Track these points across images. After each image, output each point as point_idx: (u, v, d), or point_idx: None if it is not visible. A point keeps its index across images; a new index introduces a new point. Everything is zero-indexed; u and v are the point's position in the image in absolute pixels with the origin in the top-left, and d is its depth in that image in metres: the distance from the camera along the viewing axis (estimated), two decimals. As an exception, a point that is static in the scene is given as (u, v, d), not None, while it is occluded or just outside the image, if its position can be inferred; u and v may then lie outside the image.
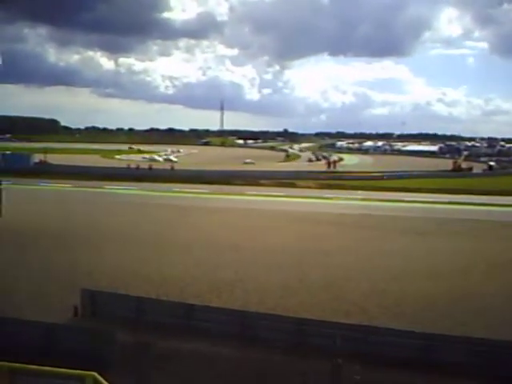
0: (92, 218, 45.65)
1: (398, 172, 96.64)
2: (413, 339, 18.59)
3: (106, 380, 13.61)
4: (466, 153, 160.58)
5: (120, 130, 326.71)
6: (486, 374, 17.33)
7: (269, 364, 18.12)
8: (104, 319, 21.15)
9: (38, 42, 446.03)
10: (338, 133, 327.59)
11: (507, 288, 27.82)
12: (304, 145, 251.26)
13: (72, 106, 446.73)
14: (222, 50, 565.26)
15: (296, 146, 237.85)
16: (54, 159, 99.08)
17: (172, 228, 42.57)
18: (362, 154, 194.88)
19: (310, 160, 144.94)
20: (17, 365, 14.29)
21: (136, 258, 31.82)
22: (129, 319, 20.27)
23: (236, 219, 48.09)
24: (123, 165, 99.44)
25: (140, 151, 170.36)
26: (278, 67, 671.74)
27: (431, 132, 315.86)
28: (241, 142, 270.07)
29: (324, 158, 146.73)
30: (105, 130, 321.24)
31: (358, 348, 18.06)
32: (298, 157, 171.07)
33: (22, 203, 52.46)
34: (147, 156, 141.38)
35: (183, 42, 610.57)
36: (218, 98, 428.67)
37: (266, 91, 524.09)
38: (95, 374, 13.93)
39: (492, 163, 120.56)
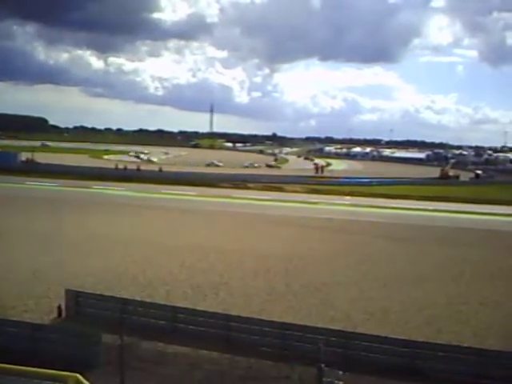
0: (78, 219, 45.46)
1: (385, 178, 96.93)
2: (397, 346, 18.65)
3: (89, 381, 13.54)
4: (453, 161, 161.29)
5: (108, 130, 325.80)
6: (471, 382, 17.41)
7: (253, 367, 18.12)
8: (88, 320, 21.04)
9: (26, 39, 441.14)
10: (327, 138, 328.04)
11: (494, 295, 27.98)
12: (289, 149, 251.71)
13: (61, 105, 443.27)
14: (211, 51, 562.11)
15: (287, 150, 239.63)
16: (41, 158, 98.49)
17: (158, 230, 42.45)
18: (350, 159, 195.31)
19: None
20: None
21: (121, 260, 31.71)
22: (113, 320, 20.16)
23: (223, 222, 48.04)
24: (111, 165, 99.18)
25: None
26: (267, 70, 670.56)
27: (419, 139, 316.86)
28: (230, 144, 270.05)
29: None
30: (93, 129, 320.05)
31: (341, 354, 18.09)
32: (286, 161, 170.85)
33: (7, 202, 52.31)
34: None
35: (173, 43, 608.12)
36: (208, 100, 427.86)
37: (256, 94, 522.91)
38: (78, 375, 13.85)
39: (479, 172, 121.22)
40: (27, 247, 33.46)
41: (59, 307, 22.19)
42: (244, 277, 29.66)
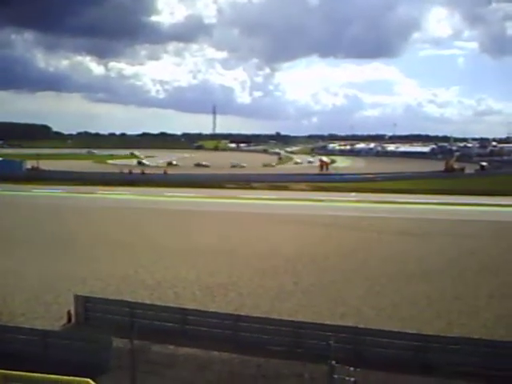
0: (84, 224, 45.56)
1: (391, 173, 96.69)
2: (408, 340, 18.60)
3: (101, 386, 13.57)
4: (458, 153, 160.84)
5: (112, 134, 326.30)
6: (482, 373, 17.33)
7: (264, 367, 18.09)
8: (98, 325, 21.06)
9: (26, 47, 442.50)
10: (330, 135, 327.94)
11: (502, 287, 27.87)
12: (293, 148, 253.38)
13: (63, 112, 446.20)
14: (211, 53, 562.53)
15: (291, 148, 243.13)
16: (46, 165, 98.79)
17: (165, 233, 42.46)
18: (355, 156, 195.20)
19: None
20: (10, 372, 14.23)
21: (129, 264, 31.72)
22: (123, 324, 20.15)
23: (229, 223, 48.02)
24: (116, 170, 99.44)
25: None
26: (268, 70, 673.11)
27: (423, 133, 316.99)
28: (233, 145, 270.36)
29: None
30: (97, 135, 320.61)
31: (353, 350, 18.07)
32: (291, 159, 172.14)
33: (14, 210, 52.51)
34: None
35: (172, 46, 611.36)
36: (210, 101, 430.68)
37: (257, 94, 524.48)
38: (89, 380, 13.89)
39: (484, 163, 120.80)
40: (34, 254, 33.49)
41: (69, 313, 22.22)
42: (252, 277, 29.62)
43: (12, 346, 18.19)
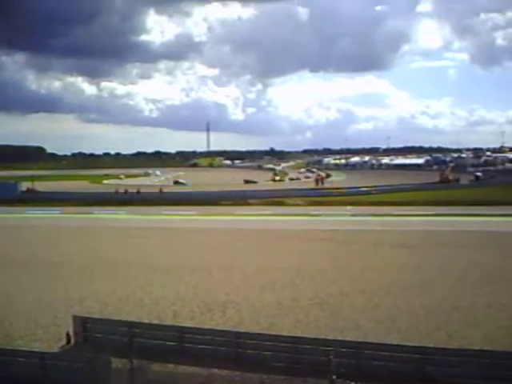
0: (80, 245, 45.46)
1: (386, 186, 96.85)
2: (408, 353, 18.54)
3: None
4: (452, 164, 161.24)
5: (107, 154, 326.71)
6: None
7: (265, 383, 18.01)
8: (97, 346, 20.95)
9: (16, 69, 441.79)
10: (325, 149, 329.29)
11: (501, 297, 27.83)
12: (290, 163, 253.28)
13: (57, 133, 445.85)
14: (203, 70, 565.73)
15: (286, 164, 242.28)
16: (41, 187, 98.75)
17: (162, 251, 42.35)
18: (350, 169, 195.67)
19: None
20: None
21: (126, 283, 31.64)
22: (122, 344, 20.08)
23: (225, 240, 47.94)
24: (111, 189, 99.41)
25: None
26: (260, 86, 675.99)
27: (417, 145, 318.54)
28: (228, 162, 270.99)
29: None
30: (91, 155, 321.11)
31: (353, 364, 18.01)
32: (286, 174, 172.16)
33: (9, 232, 52.42)
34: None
35: (163, 64, 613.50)
36: (203, 118, 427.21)
37: (250, 110, 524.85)
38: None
39: (479, 174, 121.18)
40: (32, 276, 33.37)
41: (68, 334, 22.13)
42: (250, 293, 29.54)
43: (11, 370, 18.07)
